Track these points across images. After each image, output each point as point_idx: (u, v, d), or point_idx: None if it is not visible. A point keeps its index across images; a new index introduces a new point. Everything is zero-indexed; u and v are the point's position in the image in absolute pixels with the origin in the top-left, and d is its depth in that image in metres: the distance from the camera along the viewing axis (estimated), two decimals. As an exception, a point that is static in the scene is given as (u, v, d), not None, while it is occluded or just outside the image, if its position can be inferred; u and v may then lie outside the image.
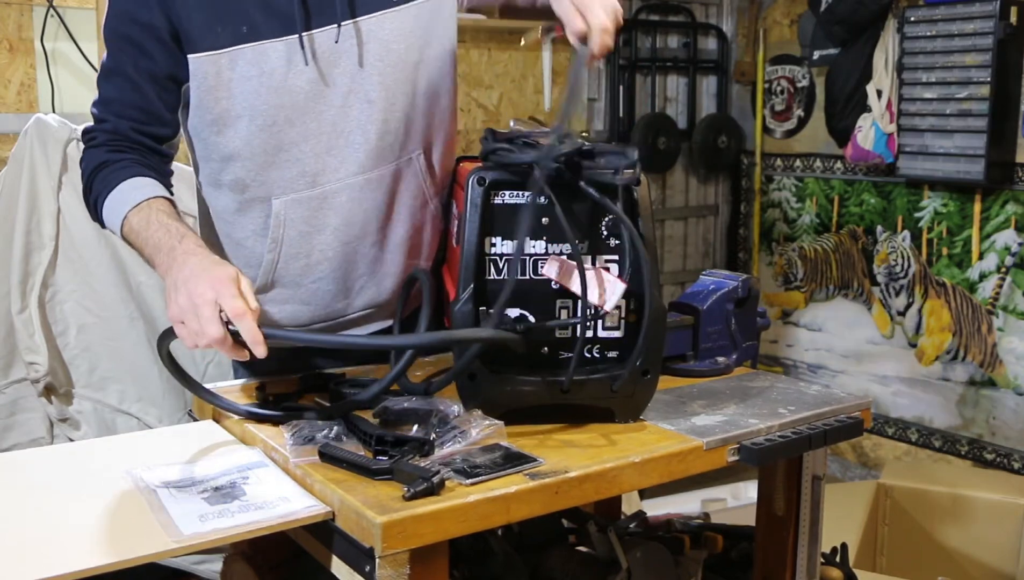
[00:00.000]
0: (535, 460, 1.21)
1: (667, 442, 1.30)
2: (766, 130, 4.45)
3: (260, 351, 1.24)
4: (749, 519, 1.69)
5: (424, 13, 1.58)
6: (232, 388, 1.53)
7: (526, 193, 1.30)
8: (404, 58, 1.56)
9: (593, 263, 1.32)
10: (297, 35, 1.47)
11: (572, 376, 1.30)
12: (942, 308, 3.80)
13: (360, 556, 1.09)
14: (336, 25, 1.50)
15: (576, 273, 1.29)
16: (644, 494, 3.24)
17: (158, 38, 1.46)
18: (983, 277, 3.66)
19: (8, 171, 2.48)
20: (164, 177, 1.52)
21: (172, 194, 1.50)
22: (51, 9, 2.88)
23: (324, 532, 1.15)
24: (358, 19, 1.52)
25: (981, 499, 3.05)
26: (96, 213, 1.50)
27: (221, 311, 1.24)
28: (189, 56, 1.47)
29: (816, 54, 4.03)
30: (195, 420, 1.50)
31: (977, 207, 3.66)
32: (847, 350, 4.18)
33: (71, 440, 2.49)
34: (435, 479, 1.10)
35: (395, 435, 1.21)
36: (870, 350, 4.08)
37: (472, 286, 1.29)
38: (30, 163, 2.47)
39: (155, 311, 2.64)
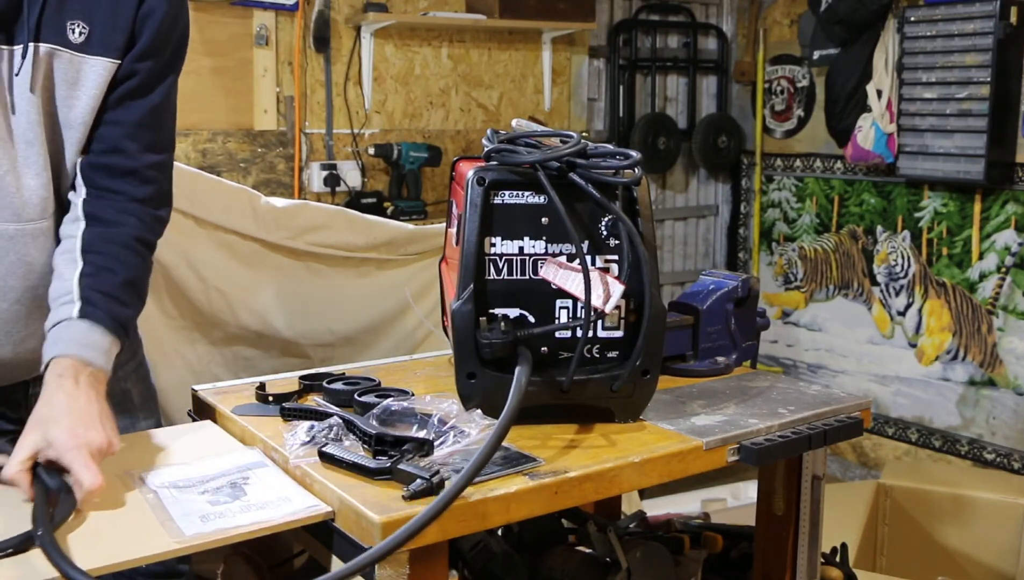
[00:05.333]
0: (535, 460, 1.21)
1: (667, 442, 1.30)
2: (766, 130, 4.45)
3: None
4: (749, 519, 1.69)
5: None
6: (232, 388, 1.53)
7: (526, 193, 1.30)
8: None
9: (593, 263, 1.32)
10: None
11: (572, 376, 1.30)
12: (942, 308, 3.80)
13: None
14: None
15: (572, 276, 1.29)
16: (644, 494, 3.23)
17: None
18: (983, 277, 3.66)
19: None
20: None
21: None
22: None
23: (324, 532, 1.15)
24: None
25: (981, 499, 3.05)
26: None
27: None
28: None
29: (816, 54, 4.03)
30: (195, 420, 1.50)
31: (977, 207, 3.66)
32: (847, 350, 4.18)
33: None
34: (435, 479, 1.10)
35: (395, 435, 1.21)
36: (870, 350, 4.08)
37: (472, 286, 1.29)
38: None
39: (154, 312, 2.63)
